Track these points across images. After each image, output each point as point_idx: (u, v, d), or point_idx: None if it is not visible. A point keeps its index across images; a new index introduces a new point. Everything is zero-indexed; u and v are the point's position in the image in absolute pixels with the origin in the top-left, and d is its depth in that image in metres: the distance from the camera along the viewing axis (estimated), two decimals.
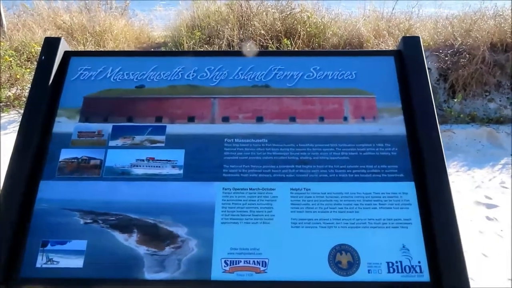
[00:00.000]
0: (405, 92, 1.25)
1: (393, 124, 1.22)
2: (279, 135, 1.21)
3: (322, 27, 6.16)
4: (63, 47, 1.34)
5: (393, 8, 6.33)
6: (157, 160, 1.18)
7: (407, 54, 1.29)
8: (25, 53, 6.75)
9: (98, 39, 7.59)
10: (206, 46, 6.03)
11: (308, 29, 6.01)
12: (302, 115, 1.24)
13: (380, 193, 1.13)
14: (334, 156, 1.18)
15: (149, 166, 1.18)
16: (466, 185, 3.88)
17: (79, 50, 6.72)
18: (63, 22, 8.42)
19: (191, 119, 1.24)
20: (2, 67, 6.04)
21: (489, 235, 2.98)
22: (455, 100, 4.81)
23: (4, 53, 6.28)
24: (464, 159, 4.32)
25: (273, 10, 6.16)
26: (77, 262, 1.07)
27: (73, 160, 1.19)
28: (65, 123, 1.24)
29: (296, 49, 5.71)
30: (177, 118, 1.25)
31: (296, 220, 1.10)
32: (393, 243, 1.06)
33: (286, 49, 5.43)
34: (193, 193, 1.14)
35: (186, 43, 6.24)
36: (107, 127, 1.23)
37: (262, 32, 5.80)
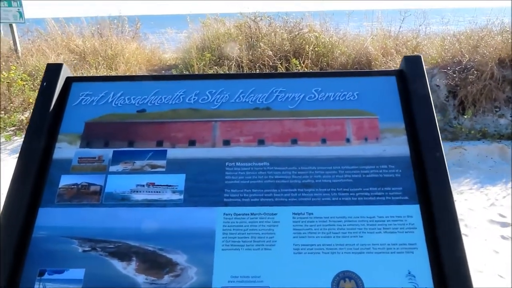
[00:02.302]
0: (408, 112, 1.22)
1: (396, 145, 1.19)
2: (280, 158, 1.19)
3: (330, 46, 6.19)
4: (65, 73, 1.35)
5: (400, 27, 6.34)
6: (158, 185, 1.17)
7: (409, 73, 1.27)
8: (38, 78, 6.90)
9: (110, 62, 7.75)
10: (216, 67, 6.10)
11: (316, 49, 6.05)
12: (304, 137, 1.22)
13: (384, 216, 1.10)
14: (337, 179, 1.15)
15: (149, 192, 1.16)
16: (479, 202, 3.79)
17: (89, 74, 6.85)
18: (76, 47, 8.63)
19: (192, 143, 1.23)
20: (16, 91, 6.17)
21: (504, 255, 2.88)
22: (465, 116, 4.75)
23: (18, 77, 6.42)
24: (476, 176, 4.23)
25: (281, 31, 6.22)
26: None
27: (72, 186, 1.18)
28: (65, 149, 1.24)
29: (305, 69, 5.74)
30: (178, 142, 1.24)
31: (298, 246, 1.07)
32: (399, 269, 1.02)
33: (295, 69, 5.45)
34: (194, 219, 1.12)
35: (196, 64, 6.32)
36: (108, 152, 1.23)
37: (270, 53, 5.84)
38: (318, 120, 1.24)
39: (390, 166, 1.16)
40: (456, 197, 4.10)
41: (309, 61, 5.84)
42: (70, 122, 1.28)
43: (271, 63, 5.77)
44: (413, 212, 1.10)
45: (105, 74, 7.15)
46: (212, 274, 1.05)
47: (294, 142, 1.22)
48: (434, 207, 1.07)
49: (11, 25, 8.59)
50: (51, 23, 9.72)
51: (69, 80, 1.35)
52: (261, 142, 1.22)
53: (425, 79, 1.25)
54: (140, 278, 1.06)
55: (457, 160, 4.59)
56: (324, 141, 1.21)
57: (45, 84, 1.31)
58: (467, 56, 5.05)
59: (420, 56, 1.29)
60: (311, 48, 5.94)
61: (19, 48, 8.67)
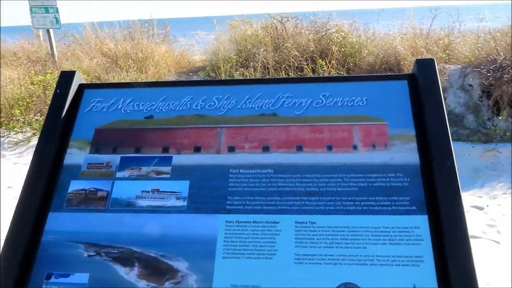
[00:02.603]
0: (419, 118, 1.18)
1: (405, 153, 1.15)
2: (285, 165, 1.17)
3: (357, 46, 6.08)
4: (78, 80, 1.39)
5: (430, 24, 6.14)
6: (162, 191, 1.18)
7: (421, 77, 1.22)
8: None
9: (141, 65, 7.93)
10: (242, 69, 6.12)
11: (343, 49, 5.95)
12: (310, 143, 1.20)
13: (390, 227, 1.06)
14: (342, 187, 1.12)
15: (153, 198, 1.17)
16: None
17: (120, 77, 7.03)
18: (109, 50, 8.89)
19: (197, 149, 1.24)
20: (51, 94, 6.42)
21: None
22: (500, 117, 4.54)
23: (53, 80, 6.68)
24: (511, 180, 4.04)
25: (307, 31, 6.16)
26: None
27: (81, 191, 1.21)
28: (76, 155, 1.27)
29: (331, 70, 5.66)
30: (184, 149, 1.24)
31: (300, 255, 1.05)
32: (403, 282, 0.98)
33: (321, 70, 5.39)
34: (196, 225, 1.12)
35: (223, 66, 6.37)
36: (116, 158, 1.25)
37: (297, 53, 5.80)
38: (325, 126, 1.22)
39: (398, 175, 1.12)
40: (488, 202, 3.93)
41: (336, 61, 5.75)
42: (81, 128, 1.31)
43: (297, 64, 5.72)
44: (420, 223, 1.05)
45: (135, 77, 7.32)
46: (212, 282, 1.04)
47: (300, 149, 1.20)
48: (442, 219, 1.02)
49: (48, 31, 8.95)
50: (87, 27, 10.06)
51: (81, 87, 1.39)
52: (265, 149, 1.21)
53: (438, 83, 1.20)
54: (142, 284, 1.07)
55: (491, 163, 4.41)
56: (330, 148, 1.19)
57: (58, 91, 1.35)
58: (502, 54, 4.83)
59: (433, 60, 1.24)
60: (337, 49, 5.84)
61: (55, 52, 9.02)
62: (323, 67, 5.53)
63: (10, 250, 1.12)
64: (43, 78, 6.63)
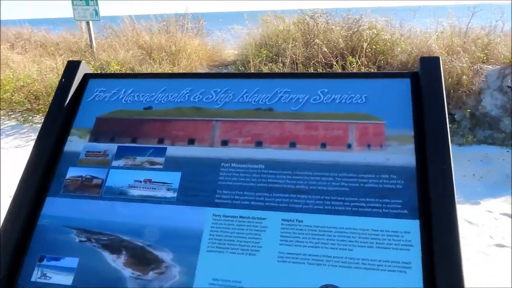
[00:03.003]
0: (419, 119, 1.12)
1: (402, 154, 1.10)
2: (276, 161, 1.15)
3: (390, 44, 5.90)
4: (83, 69, 1.42)
5: (468, 23, 5.86)
6: (154, 182, 1.19)
7: (425, 76, 1.16)
8: (107, 71, 7.36)
9: (173, 58, 8.06)
10: (270, 64, 6.09)
11: (374, 46, 5.79)
12: (303, 140, 1.17)
13: (378, 230, 1.02)
14: (333, 187, 1.09)
15: (145, 188, 1.19)
16: None
17: (153, 69, 7.17)
18: (144, 43, 9.08)
19: (191, 142, 1.24)
20: None
21: None
22: None
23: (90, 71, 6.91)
24: None
25: (337, 27, 6.04)
26: (67, 279, 1.10)
27: (78, 178, 1.24)
28: (76, 142, 1.30)
29: (361, 67, 5.53)
30: (178, 140, 1.24)
31: (283, 254, 1.03)
32: None
33: (350, 67, 5.28)
34: (184, 217, 1.12)
35: (252, 61, 6.36)
36: (113, 147, 1.27)
37: (325, 50, 5.70)
38: (320, 124, 1.18)
39: (392, 176, 1.07)
40: None
41: (366, 59, 5.61)
42: (83, 117, 1.34)
43: (326, 61, 5.62)
44: (411, 228, 1.01)
45: (167, 69, 7.45)
46: (194, 275, 1.04)
47: (293, 145, 1.17)
48: (434, 225, 0.97)
49: (88, 23, 9.25)
50: (125, 20, 10.32)
51: (86, 77, 1.42)
52: (258, 144, 1.19)
53: (441, 83, 1.14)
54: (127, 272, 1.08)
55: None
56: (323, 145, 1.15)
57: (63, 80, 1.38)
58: None
59: (438, 58, 1.17)
60: (368, 46, 5.69)
61: (94, 43, 9.31)
62: (353, 64, 5.40)
63: (8, 231, 1.17)
64: None
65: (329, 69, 5.65)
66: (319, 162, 1.13)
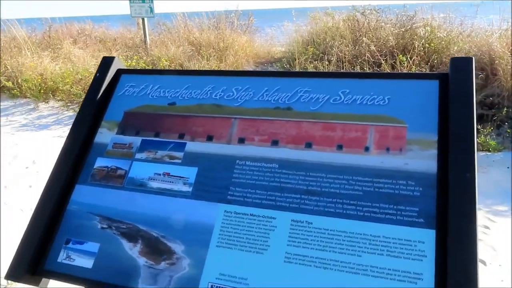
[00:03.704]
0: (444, 123, 1.06)
1: (422, 159, 1.05)
2: (291, 161, 1.14)
3: (445, 42, 5.60)
4: (117, 65, 1.48)
5: None
6: (172, 175, 1.22)
7: (454, 78, 1.10)
8: (158, 66, 7.62)
9: (221, 54, 8.19)
10: (316, 62, 6.01)
11: (427, 44, 5.53)
12: (320, 141, 1.15)
13: (390, 237, 0.98)
14: (346, 190, 1.06)
15: (163, 181, 1.22)
16: None
17: (200, 65, 7.32)
18: (195, 39, 9.30)
19: (209, 138, 1.26)
20: None
21: None
22: None
23: (139, 66, 7.19)
24: None
25: (388, 25, 5.83)
26: (88, 263, 1.16)
27: (104, 168, 1.30)
28: (105, 134, 1.37)
29: (412, 66, 5.31)
30: (198, 136, 1.27)
31: (290, 254, 1.02)
32: None
33: (400, 66, 5.08)
34: (197, 212, 1.14)
35: (298, 59, 6.31)
36: (137, 141, 1.32)
37: (373, 48, 5.53)
38: (338, 125, 1.16)
39: (410, 183, 1.03)
40: None
41: (419, 58, 5.37)
42: (113, 110, 1.41)
43: (374, 59, 5.45)
44: (426, 238, 0.96)
45: (214, 65, 7.58)
46: (203, 269, 1.06)
47: (309, 145, 1.15)
48: (449, 237, 0.92)
49: (143, 19, 9.61)
50: (178, 17, 10.62)
51: (119, 72, 1.48)
52: (274, 143, 1.19)
53: (472, 86, 1.07)
54: (141, 261, 1.12)
55: None
56: (340, 147, 1.13)
57: (98, 74, 1.45)
58: None
59: (470, 59, 1.10)
60: (421, 44, 5.44)
61: (147, 40, 9.67)
62: (404, 63, 5.20)
63: (40, 214, 1.25)
64: (129, 63, 7.16)
65: (377, 68, 5.47)
66: (334, 164, 1.11)
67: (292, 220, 1.06)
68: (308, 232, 1.04)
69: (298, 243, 1.03)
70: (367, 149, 1.11)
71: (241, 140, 1.22)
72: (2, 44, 9.20)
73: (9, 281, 2.68)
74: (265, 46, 8.70)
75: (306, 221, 1.05)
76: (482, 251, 2.84)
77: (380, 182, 1.05)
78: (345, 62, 5.71)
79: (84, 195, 1.28)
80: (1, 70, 7.92)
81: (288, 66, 6.49)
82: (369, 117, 1.14)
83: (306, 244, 1.02)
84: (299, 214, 1.06)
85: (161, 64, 7.35)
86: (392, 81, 1.19)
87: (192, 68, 7.00)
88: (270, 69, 7.34)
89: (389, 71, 5.37)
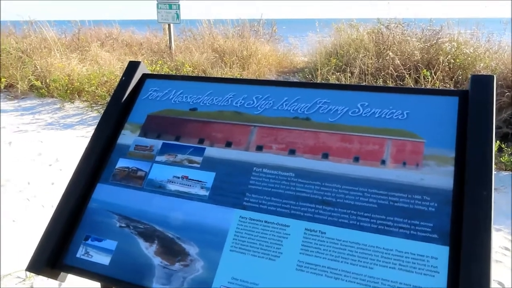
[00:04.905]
0: (463, 140, 1.06)
1: (438, 175, 1.05)
2: (307, 170, 1.16)
3: (471, 58, 5.53)
4: (142, 69, 1.53)
5: None
6: (190, 179, 1.25)
7: (474, 95, 1.10)
8: (181, 71, 7.75)
9: (244, 62, 8.27)
10: (338, 73, 6.01)
11: (452, 60, 5.46)
12: (336, 152, 1.16)
13: (403, 252, 0.98)
14: (360, 202, 1.07)
15: (181, 184, 1.25)
16: None
17: (223, 72, 7.41)
18: (219, 46, 9.43)
19: (228, 144, 1.28)
20: None
21: None
22: None
23: (163, 71, 7.33)
24: None
25: (413, 39, 5.79)
26: (105, 260, 1.20)
27: (125, 169, 1.35)
28: (127, 136, 1.41)
29: (436, 81, 5.25)
30: (217, 142, 1.30)
31: (302, 263, 1.03)
32: None
33: (424, 81, 5.03)
34: (212, 216, 1.17)
35: (320, 69, 6.32)
36: (158, 144, 1.36)
37: (398, 62, 5.49)
38: (355, 137, 1.17)
39: (425, 198, 1.03)
40: None
41: (443, 73, 5.31)
42: (137, 113, 1.45)
43: (397, 73, 5.41)
44: (439, 254, 0.96)
45: (237, 73, 7.66)
46: (216, 272, 1.08)
47: (325, 156, 1.17)
48: (463, 254, 0.92)
49: (169, 25, 9.81)
50: (204, 23, 10.79)
51: (144, 76, 1.53)
52: (292, 152, 1.20)
53: (492, 104, 1.07)
54: (156, 260, 1.15)
55: None
56: (356, 159, 1.14)
57: (124, 78, 1.51)
58: None
59: (492, 77, 1.10)
60: (446, 59, 5.38)
61: (173, 45, 9.86)
62: (427, 78, 5.14)
63: (61, 209, 1.30)
64: (153, 68, 7.29)
65: (400, 82, 5.43)
66: (349, 175, 1.12)
67: (305, 229, 1.07)
68: (321, 242, 1.05)
69: (311, 252, 1.04)
70: (383, 162, 1.11)
71: (259, 148, 1.24)
72: (33, 45, 9.52)
73: (28, 274, 2.76)
74: (288, 56, 8.74)
75: (319, 231, 1.06)
76: (501, 273, 2.77)
77: (395, 196, 1.05)
78: (367, 75, 5.69)
79: (105, 193, 1.32)
80: (31, 70, 8.19)
81: (310, 76, 6.50)
82: (387, 131, 1.15)
83: (318, 254, 1.04)
84: (313, 223, 1.08)
85: (184, 70, 7.47)
86: (411, 96, 1.19)
87: (215, 74, 7.10)
88: (292, 79, 7.38)
89: (412, 86, 5.33)
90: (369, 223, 1.04)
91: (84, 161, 1.37)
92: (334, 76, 5.91)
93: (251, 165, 1.22)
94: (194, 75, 7.40)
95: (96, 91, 6.93)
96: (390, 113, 1.17)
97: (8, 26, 11.64)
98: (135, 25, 13.10)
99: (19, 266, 2.80)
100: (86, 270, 1.21)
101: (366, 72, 5.80)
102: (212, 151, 1.29)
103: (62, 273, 1.26)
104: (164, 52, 9.54)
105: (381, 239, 1.01)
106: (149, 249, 1.18)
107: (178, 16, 9.52)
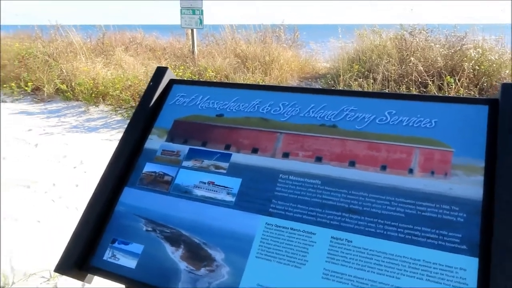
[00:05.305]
0: (493, 150, 1.04)
1: (467, 185, 1.03)
2: (333, 178, 1.16)
3: (496, 65, 5.41)
4: (169, 75, 1.56)
5: None
6: (216, 185, 1.27)
7: (504, 104, 1.08)
8: (204, 77, 7.83)
9: (266, 67, 8.30)
10: (361, 79, 5.96)
11: (477, 66, 5.36)
12: (363, 160, 1.16)
13: (431, 262, 0.97)
14: (387, 211, 1.06)
15: (208, 189, 1.27)
16: None
17: (245, 77, 7.45)
18: (241, 51, 9.50)
19: (255, 151, 1.29)
20: None
21: None
22: None
23: (185, 76, 7.42)
24: None
25: (437, 45, 5.70)
26: (131, 263, 1.22)
27: (152, 173, 1.37)
28: (155, 141, 1.44)
29: (460, 88, 5.16)
30: (243, 148, 1.31)
31: (328, 271, 1.03)
32: None
33: (447, 88, 4.95)
34: (238, 222, 1.18)
35: (343, 75, 6.29)
36: (185, 149, 1.38)
37: (421, 68, 5.42)
38: (383, 145, 1.16)
39: (454, 208, 1.02)
40: None
41: (467, 80, 5.21)
42: (164, 118, 1.48)
43: (420, 80, 5.34)
44: (468, 266, 0.94)
45: (259, 78, 7.69)
46: (241, 278, 1.09)
47: (352, 164, 1.17)
48: (493, 266, 0.90)
49: (192, 30, 9.94)
50: (226, 29, 10.89)
51: (171, 82, 1.56)
52: (318, 159, 1.21)
53: None
54: (182, 265, 1.17)
55: None
56: (384, 168, 1.13)
57: (151, 83, 1.54)
58: None
59: None
60: (470, 66, 5.28)
61: (195, 50, 9.98)
62: (451, 85, 5.06)
63: (90, 212, 1.33)
64: (176, 73, 7.39)
65: (423, 89, 5.36)
66: (376, 184, 1.11)
67: (332, 237, 1.07)
68: (347, 250, 1.04)
69: (337, 260, 1.04)
70: (411, 171, 1.10)
71: (286, 155, 1.25)
72: (59, 49, 9.78)
73: (52, 274, 2.83)
74: (310, 61, 8.73)
75: (346, 239, 1.06)
76: None
77: (423, 205, 1.04)
78: (390, 81, 5.63)
79: (132, 197, 1.35)
80: (57, 73, 8.42)
81: (332, 82, 6.48)
82: (415, 139, 1.14)
83: (344, 262, 1.03)
84: (339, 231, 1.07)
85: (207, 75, 7.54)
86: (439, 104, 1.18)
87: (237, 80, 7.14)
88: (314, 84, 7.36)
89: (435, 92, 5.24)
90: (396, 232, 1.03)
91: (112, 165, 1.41)
92: (356, 83, 5.87)
93: (277, 171, 1.22)
94: (216, 80, 7.47)
95: (120, 95, 7.07)
96: (418, 122, 1.16)
97: (35, 30, 12.01)
98: (158, 30, 13.32)
99: (43, 266, 2.87)
100: (112, 273, 1.23)
101: (389, 79, 5.74)
102: (239, 157, 1.30)
103: (89, 275, 1.29)
104: (187, 57, 9.67)
105: (409, 249, 1.00)
106: (175, 254, 1.20)
107: (201, 21, 9.64)
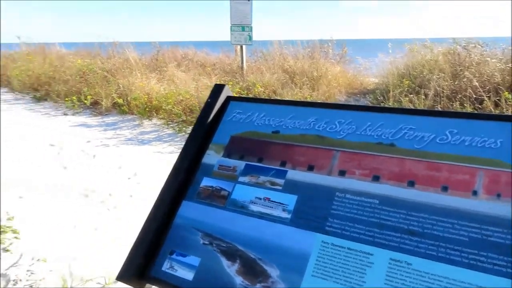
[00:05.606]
0: None
1: None
2: (392, 198, 1.14)
3: None
4: (226, 92, 1.61)
5: None
6: (272, 201, 1.29)
7: None
8: (252, 92, 7.95)
9: (314, 83, 8.30)
10: (411, 95, 5.80)
11: None
12: (423, 181, 1.13)
13: None
14: (450, 234, 1.03)
15: (264, 206, 1.29)
16: None
17: (293, 93, 7.47)
18: (289, 67, 9.57)
19: (310, 168, 1.30)
20: None
21: None
22: None
23: (236, 92, 7.57)
24: None
25: (492, 60, 5.44)
26: (189, 275, 1.26)
27: (209, 188, 1.41)
28: (212, 156, 1.49)
29: None
30: (299, 165, 1.32)
31: None
32: None
33: (505, 105, 4.70)
34: (294, 239, 1.19)
35: (392, 91, 6.15)
36: (241, 164, 1.42)
37: (476, 83, 5.19)
38: (444, 165, 1.13)
39: None
40: None
41: None
42: (221, 134, 1.53)
43: (475, 96, 5.10)
44: None
45: (307, 94, 7.69)
46: None
47: (411, 184, 1.14)
48: None
49: (241, 47, 10.15)
50: (275, 45, 11.03)
51: (228, 99, 1.61)
52: (375, 178, 1.19)
53: None
54: (238, 280, 1.19)
55: None
56: (445, 189, 1.10)
57: (209, 100, 1.60)
58: None
59: None
60: None
61: (244, 66, 10.17)
62: (510, 101, 4.80)
63: (150, 223, 1.39)
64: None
65: (478, 105, 5.12)
66: (438, 205, 1.08)
67: (390, 259, 1.05)
68: (407, 273, 1.02)
69: (396, 283, 1.02)
70: (475, 193, 1.07)
71: (342, 173, 1.25)
72: (116, 65, 10.33)
73: (107, 280, 2.95)
74: (358, 77, 8.62)
75: (405, 261, 1.04)
76: None
77: (488, 229, 1.00)
78: (443, 97, 5.44)
79: (189, 211, 1.39)
80: (114, 88, 8.88)
81: (381, 98, 6.35)
82: (478, 160, 1.10)
83: (404, 285, 1.01)
84: (398, 253, 1.05)
85: (255, 90, 7.66)
86: (504, 124, 1.13)
87: (285, 95, 7.19)
88: (362, 100, 7.25)
89: (492, 109, 5.00)
90: (460, 257, 0.99)
91: (171, 179, 1.47)
92: (407, 98, 5.71)
93: (333, 189, 1.22)
94: (265, 95, 7.55)
95: (172, 110, 7.33)
96: (482, 142, 1.12)
97: (95, 47, 12.78)
98: (208, 46, 13.73)
99: (99, 272, 3.00)
100: (170, 283, 1.27)
101: (441, 94, 5.54)
102: (294, 174, 1.31)
103: (147, 285, 1.34)
104: (236, 73, 9.87)
105: (473, 275, 0.96)
106: (231, 268, 1.22)
107: (250, 37, 9.83)
